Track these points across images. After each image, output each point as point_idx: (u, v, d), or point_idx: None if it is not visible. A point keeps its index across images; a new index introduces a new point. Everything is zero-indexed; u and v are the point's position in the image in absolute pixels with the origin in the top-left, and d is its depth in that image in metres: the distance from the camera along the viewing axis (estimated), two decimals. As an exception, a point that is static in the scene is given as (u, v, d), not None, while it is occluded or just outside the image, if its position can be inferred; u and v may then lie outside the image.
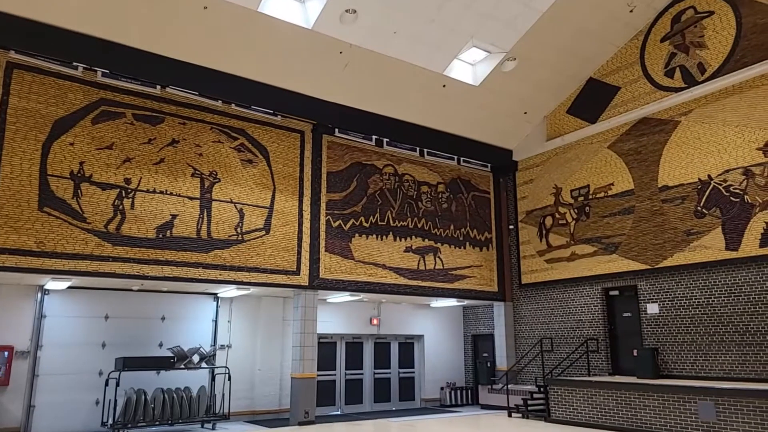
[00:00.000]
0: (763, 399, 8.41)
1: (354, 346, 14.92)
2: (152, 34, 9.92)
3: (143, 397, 10.29)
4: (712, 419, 8.97)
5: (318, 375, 13.91)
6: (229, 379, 11.51)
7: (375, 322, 14.96)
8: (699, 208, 11.27)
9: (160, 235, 10.26)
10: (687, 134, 11.66)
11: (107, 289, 11.20)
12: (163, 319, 11.85)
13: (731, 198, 10.79)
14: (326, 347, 14.37)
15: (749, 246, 10.42)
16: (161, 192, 10.42)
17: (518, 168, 15.40)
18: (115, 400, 10.10)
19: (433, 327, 16.12)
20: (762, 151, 10.43)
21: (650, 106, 12.28)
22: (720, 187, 11.00)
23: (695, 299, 11.26)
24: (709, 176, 11.19)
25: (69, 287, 10.64)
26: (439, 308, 16.22)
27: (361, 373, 14.85)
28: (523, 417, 12.24)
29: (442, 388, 15.69)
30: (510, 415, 12.57)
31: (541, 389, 12.07)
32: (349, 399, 14.47)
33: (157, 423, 10.44)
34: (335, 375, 14.38)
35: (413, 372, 15.79)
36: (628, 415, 10.17)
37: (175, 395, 10.71)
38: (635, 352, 11.85)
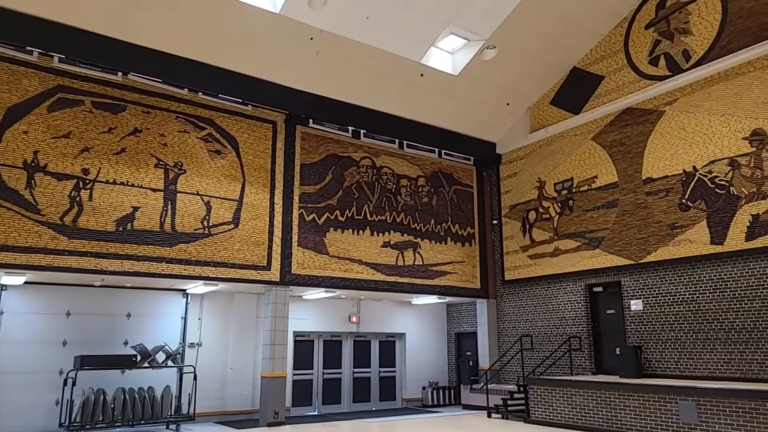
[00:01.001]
0: (746, 399, 8.00)
1: (332, 345, 14.50)
2: (113, 18, 9.49)
3: (102, 397, 9.86)
4: (693, 420, 8.56)
5: (294, 374, 13.55)
6: (195, 378, 11.07)
7: (354, 319, 14.53)
8: (684, 200, 10.86)
9: (120, 228, 9.83)
10: (672, 124, 11.24)
11: (69, 285, 10.77)
12: (128, 316, 11.43)
13: (716, 190, 10.38)
14: (303, 345, 13.95)
15: (735, 240, 10.01)
16: (122, 183, 9.99)
17: (502, 161, 14.98)
18: (71, 401, 9.68)
19: (416, 325, 15.69)
20: (748, 140, 10.02)
21: (634, 95, 11.86)
22: (705, 179, 10.58)
23: (679, 295, 10.85)
24: (694, 167, 10.78)
25: (27, 282, 10.22)
26: (422, 306, 15.80)
27: (340, 373, 14.43)
28: (503, 417, 11.83)
29: (423, 388, 15.28)
30: (490, 416, 12.16)
31: (521, 389, 11.66)
32: (327, 399, 14.05)
33: (118, 424, 10.02)
34: (312, 374, 13.96)
35: (394, 371, 15.37)
36: (609, 415, 9.75)
37: (137, 395, 10.29)
38: (618, 351, 11.43)
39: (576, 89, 13.14)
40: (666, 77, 11.38)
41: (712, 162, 10.50)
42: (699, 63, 10.85)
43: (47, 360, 10.45)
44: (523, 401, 11.73)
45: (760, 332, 9.62)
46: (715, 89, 10.61)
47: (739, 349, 9.86)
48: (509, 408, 11.85)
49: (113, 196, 9.87)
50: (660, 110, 11.47)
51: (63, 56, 9.74)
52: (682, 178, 10.93)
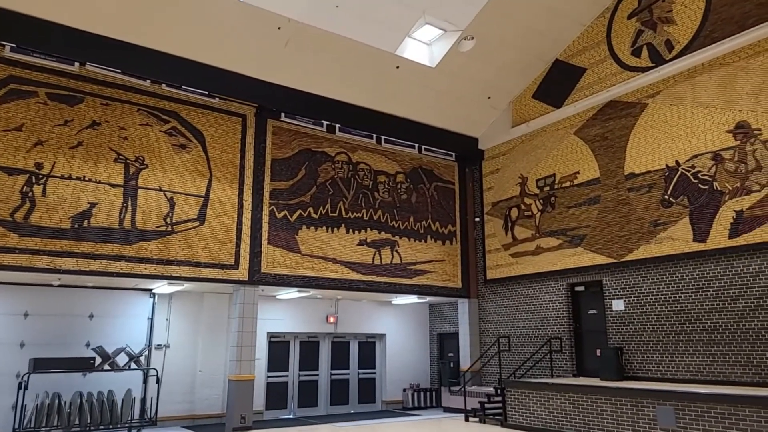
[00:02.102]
0: (725, 404, 7.60)
1: (309, 346, 14.09)
2: (68, 5, 9.05)
3: (57, 401, 9.44)
4: (671, 426, 8.16)
5: (269, 376, 13.15)
6: (158, 381, 10.66)
7: (332, 320, 14.12)
8: (666, 196, 10.45)
9: (76, 225, 9.40)
10: (654, 117, 10.83)
11: (26, 285, 10.35)
12: (91, 317, 11.01)
13: (699, 185, 9.97)
14: (278, 347, 13.54)
15: (718, 237, 9.60)
16: (78, 178, 9.56)
17: (484, 157, 14.57)
18: (24, 405, 9.25)
19: (397, 325, 15.29)
20: (732, 133, 9.61)
21: (617, 87, 11.44)
22: (688, 174, 10.17)
23: (661, 295, 10.45)
24: (677, 162, 10.37)
25: (-19, 282, 9.81)
26: (403, 306, 15.39)
27: (317, 374, 14.02)
28: (480, 421, 11.42)
29: (404, 390, 14.87)
30: (467, 419, 11.76)
31: (498, 392, 11.25)
32: (303, 402, 13.64)
33: (75, 429, 9.60)
34: (288, 376, 13.54)
35: (374, 373, 14.96)
36: (586, 420, 9.35)
37: (95, 399, 9.87)
38: (598, 352, 11.04)
39: (558, 82, 12.73)
40: (649, 68, 10.97)
41: (695, 156, 10.09)
42: (682, 53, 10.44)
43: (3, 363, 10.03)
44: (500, 405, 11.32)
45: (743, 333, 9.22)
46: (698, 80, 10.20)
47: (721, 351, 9.46)
48: (487, 411, 11.45)
49: (69, 191, 9.44)
50: (643, 103, 11.07)
51: (15, 45, 9.30)
52: (665, 173, 10.52)
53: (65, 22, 9.22)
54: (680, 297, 10.14)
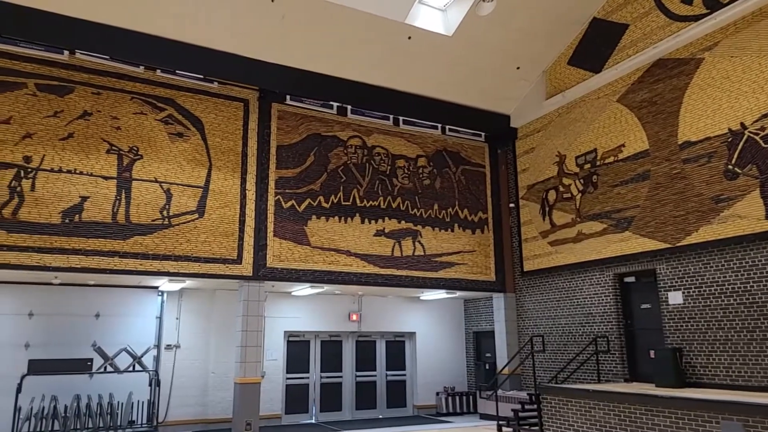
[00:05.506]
0: (809, 421, 5.95)
1: (331, 345, 13.21)
2: (50, -9, 8.64)
3: (54, 404, 9.05)
4: (739, 446, 6.56)
5: (288, 378, 12.40)
6: (158, 384, 10.11)
7: (354, 317, 13.17)
8: (730, 166, 8.70)
9: (67, 220, 8.97)
10: (712, 74, 9.09)
11: (30, 283, 10.10)
12: (97, 316, 10.64)
13: (772, 150, 8.18)
14: (297, 346, 12.74)
15: (797, 212, 7.81)
16: (69, 171, 9.13)
17: (517, 136, 13.12)
18: (20, 408, 8.92)
19: (427, 323, 14.11)
20: (812, 84, 7.78)
21: (665, 42, 9.75)
22: (757, 138, 8.40)
23: (728, 285, 8.71)
24: (742, 125, 8.60)
25: (-17, 282, 9.62)
26: (433, 302, 14.20)
27: (340, 376, 13.11)
28: (514, 431, 10.08)
29: (437, 394, 13.68)
30: (500, 430, 10.42)
31: (533, 398, 9.87)
32: (326, 405, 12.77)
33: (74, 434, 9.20)
34: (308, 378, 12.72)
35: (404, 375, 13.86)
36: (634, 434, 7.85)
37: (91, 402, 9.43)
38: (652, 354, 9.42)
39: (596, 44, 11.12)
40: (702, 16, 9.22)
41: (765, 116, 8.30)
42: (744, -7, 8.66)
43: (7, 364, 9.80)
44: (536, 413, 9.93)
45: (834, 330, 7.41)
46: (765, 24, 8.39)
47: (806, 352, 7.68)
48: (521, 421, 10.08)
49: (59, 185, 9.02)
50: (697, 58, 9.33)
51: (1, 36, 8.98)
52: (728, 138, 8.77)
53: (49, 8, 8.79)
54: (752, 287, 8.38)
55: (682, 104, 9.52)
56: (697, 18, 9.32)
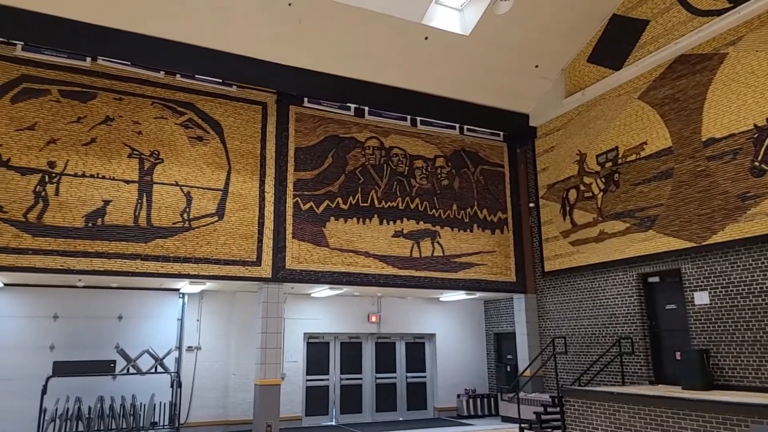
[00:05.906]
0: None
1: (351, 347, 13.19)
2: (77, 0, 8.78)
3: (77, 405, 9.19)
4: (771, 449, 6.37)
5: (308, 380, 12.42)
6: (180, 385, 10.19)
7: (374, 319, 13.15)
8: (756, 162, 8.49)
9: (90, 224, 9.11)
10: (737, 69, 8.88)
11: (54, 286, 10.28)
12: (120, 318, 10.78)
13: (801, 145, 7.96)
14: (317, 348, 12.76)
15: (829, 208, 7.57)
16: (92, 176, 9.28)
17: (537, 135, 12.98)
18: (45, 410, 9.07)
19: (447, 324, 14.02)
20: (843, 76, 7.55)
21: (687, 37, 9.56)
22: (785, 133, 8.18)
23: (757, 284, 8.48)
24: (769, 120, 8.39)
25: (9, 284, 9.81)
26: (453, 303, 14.11)
27: (361, 378, 13.09)
28: (536, 434, 9.95)
29: (459, 396, 13.57)
30: (522, 432, 10.30)
31: (555, 401, 9.73)
32: (346, 407, 12.76)
33: (98, 435, 9.33)
34: (328, 380, 12.72)
35: (424, 376, 13.79)
36: (660, 437, 7.67)
37: (117, 404, 9.54)
38: (678, 355, 9.21)
39: (617, 40, 10.95)
40: (726, 10, 9.02)
41: (794, 110, 8.08)
42: (770, -16, 8.44)
43: (33, 366, 9.98)
44: (558, 416, 9.78)
45: None
46: (794, 15, 8.18)
47: (841, 353, 7.43)
48: (544, 424, 9.94)
49: (82, 189, 9.17)
50: (721, 53, 9.13)
51: (26, 44, 9.18)
52: (754, 134, 8.56)
53: (72, 16, 8.95)
54: (781, 286, 8.15)
55: (705, 100, 9.32)
56: (719, 12, 9.13)
